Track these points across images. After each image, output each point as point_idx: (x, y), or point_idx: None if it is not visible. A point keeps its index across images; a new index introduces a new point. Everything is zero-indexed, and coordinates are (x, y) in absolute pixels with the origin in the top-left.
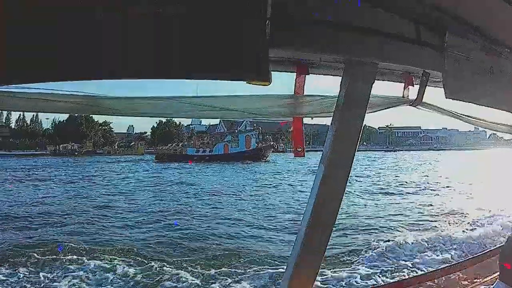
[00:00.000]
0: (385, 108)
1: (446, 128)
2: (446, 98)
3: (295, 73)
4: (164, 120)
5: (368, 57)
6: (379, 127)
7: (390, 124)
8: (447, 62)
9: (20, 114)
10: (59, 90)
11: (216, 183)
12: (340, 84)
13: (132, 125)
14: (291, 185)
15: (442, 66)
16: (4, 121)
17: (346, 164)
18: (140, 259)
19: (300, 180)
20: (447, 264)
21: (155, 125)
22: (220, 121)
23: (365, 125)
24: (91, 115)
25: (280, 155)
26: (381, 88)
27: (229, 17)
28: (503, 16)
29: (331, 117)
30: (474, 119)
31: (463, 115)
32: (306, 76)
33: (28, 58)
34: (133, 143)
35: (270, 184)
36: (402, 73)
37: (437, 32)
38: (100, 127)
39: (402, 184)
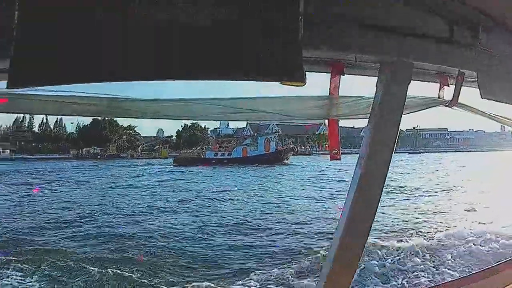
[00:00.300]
0: (421, 109)
1: (472, 130)
2: (482, 98)
3: (330, 74)
4: (189, 123)
5: (403, 57)
6: (406, 129)
7: (417, 126)
8: (481, 61)
9: (43, 118)
10: (80, 92)
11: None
12: (376, 85)
13: (162, 129)
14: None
15: (477, 65)
16: (27, 125)
17: (383, 167)
18: None
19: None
20: (462, 276)
21: (180, 129)
22: (247, 123)
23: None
24: (115, 119)
25: (305, 158)
26: (414, 89)
27: (262, 16)
28: None
29: (367, 119)
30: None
31: (501, 116)
32: (341, 76)
33: (41, 61)
34: (157, 146)
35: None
36: (437, 73)
37: (470, 30)
38: (124, 131)
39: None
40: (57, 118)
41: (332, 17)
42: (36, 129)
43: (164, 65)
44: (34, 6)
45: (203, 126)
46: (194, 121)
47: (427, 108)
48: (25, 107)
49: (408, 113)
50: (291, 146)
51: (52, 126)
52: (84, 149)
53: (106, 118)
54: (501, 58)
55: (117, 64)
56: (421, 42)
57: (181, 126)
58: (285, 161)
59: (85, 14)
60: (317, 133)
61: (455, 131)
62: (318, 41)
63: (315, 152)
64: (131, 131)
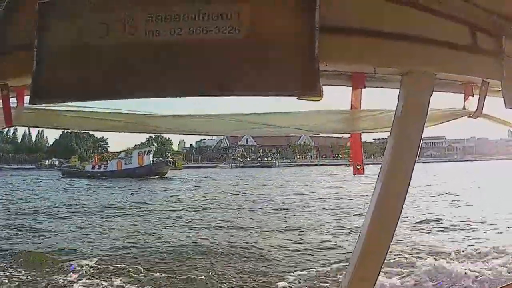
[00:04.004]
0: (445, 121)
1: (474, 137)
2: (506, 107)
3: (351, 87)
4: (153, 136)
5: (425, 67)
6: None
7: None
8: (506, 69)
9: (25, 130)
10: (101, 108)
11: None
12: (398, 97)
13: (183, 140)
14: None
15: (501, 74)
16: (11, 136)
17: (405, 181)
18: None
19: None
20: None
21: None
22: (224, 136)
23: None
24: (85, 132)
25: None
26: (439, 99)
27: (278, 32)
28: None
29: (389, 132)
30: None
31: None
32: (363, 89)
33: (61, 77)
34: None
35: None
36: (461, 83)
37: (493, 37)
38: (94, 143)
39: None
40: (38, 131)
41: (350, 29)
42: (19, 140)
43: (180, 82)
44: (54, 25)
45: (167, 138)
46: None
47: (451, 119)
48: (51, 122)
49: (432, 125)
50: (167, 159)
51: (34, 138)
52: (47, 160)
53: (74, 131)
54: None
55: (136, 82)
56: (443, 50)
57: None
58: (165, 175)
59: (104, 33)
60: (297, 143)
61: (453, 139)
62: (337, 54)
63: (281, 163)
64: (102, 143)
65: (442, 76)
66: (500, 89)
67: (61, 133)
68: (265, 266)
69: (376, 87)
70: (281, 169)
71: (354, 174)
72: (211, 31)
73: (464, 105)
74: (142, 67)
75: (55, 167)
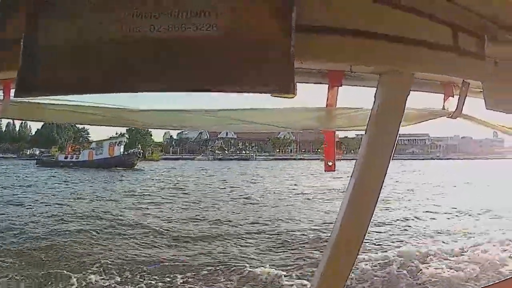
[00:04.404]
0: (423, 121)
1: (458, 136)
2: (487, 109)
3: (328, 85)
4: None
5: (403, 67)
6: None
7: None
8: (486, 70)
9: (9, 120)
10: (82, 101)
11: None
12: (374, 96)
13: (169, 131)
14: None
15: (482, 75)
16: None
17: (378, 179)
18: None
19: None
20: None
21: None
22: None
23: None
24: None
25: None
26: (419, 99)
27: (254, 29)
28: None
29: (364, 130)
30: None
31: (507, 127)
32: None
33: (45, 71)
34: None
35: None
36: (441, 83)
37: (475, 38)
38: (75, 133)
39: None
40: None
41: (327, 28)
42: (3, 129)
43: (157, 77)
44: (40, 20)
45: (147, 131)
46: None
47: (429, 119)
48: (34, 115)
49: (409, 125)
50: (138, 151)
51: (17, 128)
52: (28, 150)
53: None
54: (507, 67)
55: (117, 76)
56: (423, 50)
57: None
58: (134, 166)
59: (89, 28)
60: (277, 137)
61: (437, 137)
62: (314, 52)
63: (260, 157)
64: (84, 133)
65: (421, 75)
66: (481, 90)
67: (43, 123)
68: None
69: (353, 85)
70: (258, 162)
71: (325, 171)
72: (189, 28)
73: (443, 105)
74: (120, 62)
75: (35, 157)
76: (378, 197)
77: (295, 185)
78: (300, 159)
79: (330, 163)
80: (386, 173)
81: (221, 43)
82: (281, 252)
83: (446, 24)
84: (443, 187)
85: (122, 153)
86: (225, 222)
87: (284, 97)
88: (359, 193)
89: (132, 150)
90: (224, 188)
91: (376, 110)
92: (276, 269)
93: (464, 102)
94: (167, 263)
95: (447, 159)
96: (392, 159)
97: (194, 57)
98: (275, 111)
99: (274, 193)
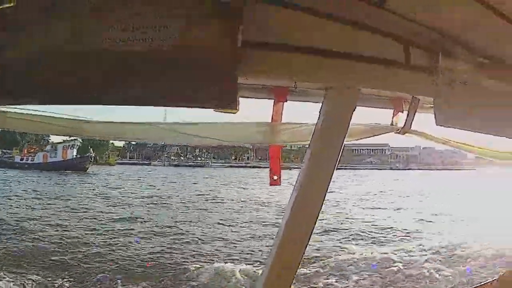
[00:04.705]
0: (370, 136)
1: (420, 146)
2: (437, 125)
3: (273, 100)
4: None
5: (349, 83)
6: None
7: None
8: (439, 86)
9: None
10: (45, 111)
11: None
12: (319, 111)
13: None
14: None
15: (434, 91)
16: None
17: (320, 193)
18: None
19: None
20: None
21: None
22: None
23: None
24: None
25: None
26: (371, 114)
27: (199, 44)
28: (506, 36)
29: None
30: (475, 148)
31: (457, 142)
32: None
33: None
34: None
35: None
36: (391, 99)
37: (429, 54)
38: (36, 135)
39: None
40: None
41: (273, 44)
42: None
43: (107, 90)
44: (11, 30)
45: None
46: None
47: (377, 135)
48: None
49: (356, 140)
50: (91, 155)
51: None
52: None
53: None
54: (460, 83)
55: (67, 88)
56: (372, 66)
57: None
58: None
59: (45, 40)
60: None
61: (397, 147)
62: (259, 68)
63: (215, 164)
64: (44, 136)
65: (370, 91)
66: (432, 106)
67: None
68: None
69: (299, 101)
70: (213, 170)
71: (270, 185)
72: (140, 42)
73: (392, 121)
74: (71, 74)
75: None
76: (320, 210)
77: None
78: (254, 167)
79: (275, 177)
80: (328, 186)
81: (169, 59)
82: None
83: (397, 40)
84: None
85: (75, 156)
86: None
87: (227, 112)
88: (301, 206)
89: (88, 154)
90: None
91: (320, 125)
92: None
93: (413, 118)
94: None
95: (407, 169)
96: (353, 169)
97: (143, 71)
98: (221, 125)
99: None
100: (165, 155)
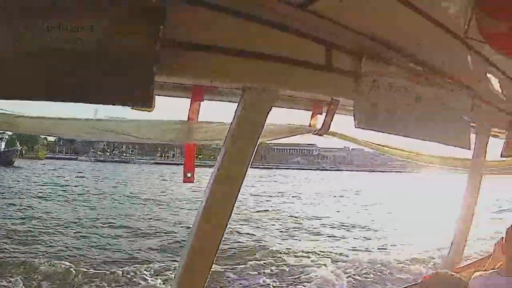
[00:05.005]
0: (287, 137)
1: (348, 147)
2: (356, 127)
3: (190, 99)
4: None
5: (266, 84)
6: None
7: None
8: (361, 89)
9: None
10: None
11: None
12: (235, 111)
13: None
14: None
15: (355, 93)
16: None
17: (234, 190)
18: None
19: None
20: None
21: None
22: None
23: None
24: None
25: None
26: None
27: (124, 44)
28: (434, 41)
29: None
30: (393, 150)
31: (379, 145)
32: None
33: None
34: None
35: None
36: (310, 100)
37: (352, 57)
38: None
39: None
40: None
41: (193, 44)
42: None
43: (54, 88)
44: None
45: None
46: None
47: (294, 135)
48: None
49: (274, 140)
50: (17, 149)
51: None
52: None
53: None
54: (387, 86)
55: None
56: (291, 68)
57: None
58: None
59: None
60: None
61: (325, 147)
62: (178, 68)
63: (140, 160)
64: None
65: (289, 92)
66: (352, 108)
67: None
68: None
69: (216, 100)
70: (135, 166)
71: (183, 182)
72: (65, 40)
73: (310, 122)
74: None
75: None
76: (232, 208)
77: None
78: (180, 164)
79: (189, 175)
80: (241, 185)
81: (91, 58)
82: None
83: (319, 42)
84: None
85: (2, 150)
86: None
87: (143, 110)
88: (214, 204)
89: (16, 148)
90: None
91: (235, 124)
92: None
93: (331, 119)
94: None
95: (335, 170)
96: (277, 168)
97: (66, 69)
98: (137, 122)
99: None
100: (92, 150)
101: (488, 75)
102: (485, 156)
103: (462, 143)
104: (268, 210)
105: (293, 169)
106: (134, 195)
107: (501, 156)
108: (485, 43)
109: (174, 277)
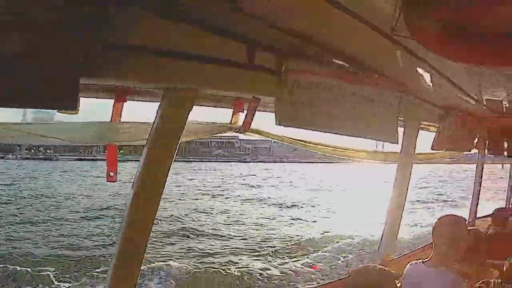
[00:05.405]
0: (210, 135)
1: (271, 140)
2: (276, 124)
3: (113, 100)
4: None
5: (186, 84)
6: None
7: None
8: (283, 87)
9: None
10: None
11: None
12: (157, 111)
13: None
14: None
15: (276, 92)
16: None
17: (158, 189)
18: None
19: None
20: None
21: None
22: None
23: None
24: None
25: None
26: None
27: (48, 46)
28: (362, 37)
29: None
30: (317, 146)
31: (303, 141)
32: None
33: None
34: None
35: None
36: (232, 99)
37: (275, 55)
38: None
39: None
40: None
41: (113, 44)
42: None
43: None
44: None
45: None
46: None
47: (216, 133)
48: None
49: (196, 139)
50: None
51: None
52: None
53: None
54: (305, 84)
55: None
56: (212, 67)
57: None
58: None
59: None
60: None
61: (247, 139)
62: (101, 69)
63: (63, 157)
64: None
65: (211, 91)
66: (274, 105)
67: None
68: None
69: (140, 101)
70: (59, 162)
71: (107, 181)
72: None
73: (231, 120)
74: None
75: None
76: (158, 206)
77: None
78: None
79: (112, 174)
80: (165, 182)
81: (15, 61)
82: None
83: (241, 41)
84: None
85: None
86: None
87: (68, 113)
88: (139, 202)
89: None
90: None
91: (157, 124)
92: None
93: (252, 117)
94: None
95: (257, 162)
96: (195, 161)
97: None
98: (62, 125)
99: None
100: (17, 149)
101: (419, 69)
102: (414, 149)
103: (390, 137)
104: None
105: (211, 161)
106: None
107: (431, 149)
108: (414, 39)
109: (107, 274)
